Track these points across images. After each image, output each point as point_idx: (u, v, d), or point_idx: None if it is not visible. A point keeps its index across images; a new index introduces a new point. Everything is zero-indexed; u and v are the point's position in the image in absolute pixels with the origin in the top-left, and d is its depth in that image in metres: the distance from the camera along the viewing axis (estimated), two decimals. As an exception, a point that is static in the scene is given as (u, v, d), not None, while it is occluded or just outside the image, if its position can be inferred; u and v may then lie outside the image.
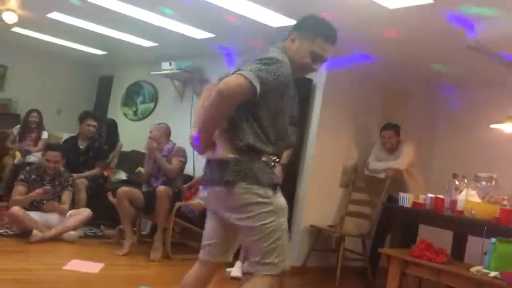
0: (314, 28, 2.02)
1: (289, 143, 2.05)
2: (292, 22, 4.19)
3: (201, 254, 2.13)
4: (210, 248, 2.11)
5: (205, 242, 2.13)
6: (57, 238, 4.31)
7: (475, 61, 4.42)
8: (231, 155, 1.89)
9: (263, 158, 1.94)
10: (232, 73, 1.90)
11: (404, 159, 4.63)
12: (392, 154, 4.76)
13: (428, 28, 3.87)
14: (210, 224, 2.12)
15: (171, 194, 4.41)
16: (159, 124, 4.91)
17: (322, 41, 2.00)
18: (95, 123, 5.41)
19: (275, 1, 3.89)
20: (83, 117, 5.42)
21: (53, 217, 4.50)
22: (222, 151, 1.93)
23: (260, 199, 1.90)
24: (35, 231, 4.17)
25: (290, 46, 2.03)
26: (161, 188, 4.36)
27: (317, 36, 2.00)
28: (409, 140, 4.79)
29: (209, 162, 2.04)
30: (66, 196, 4.66)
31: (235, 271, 4.03)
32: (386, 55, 4.74)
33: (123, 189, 4.47)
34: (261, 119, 1.91)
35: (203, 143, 1.94)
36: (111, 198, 4.66)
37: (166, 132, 4.80)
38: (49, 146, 4.90)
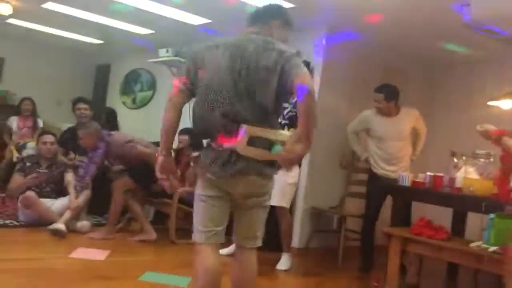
0: (290, 21, 2.33)
1: None
2: (288, 5, 4.22)
3: (211, 240, 2.15)
4: (219, 234, 2.16)
5: (213, 228, 2.15)
6: (70, 229, 4.33)
7: (472, 38, 4.43)
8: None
9: None
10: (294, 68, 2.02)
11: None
12: (388, 118, 4.34)
13: (425, 7, 3.87)
14: (219, 210, 2.17)
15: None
16: (87, 128, 4.62)
17: (290, 30, 2.32)
18: (86, 106, 5.40)
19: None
20: (74, 103, 5.45)
21: (60, 202, 4.57)
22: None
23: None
24: (60, 226, 4.21)
25: (272, 32, 2.24)
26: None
27: (289, 25, 2.32)
28: (419, 113, 4.48)
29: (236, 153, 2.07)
30: (70, 176, 4.73)
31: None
32: (382, 35, 4.75)
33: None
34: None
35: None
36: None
37: (98, 134, 4.52)
38: (42, 132, 5.09)
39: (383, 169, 4.31)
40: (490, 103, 4.42)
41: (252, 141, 2.03)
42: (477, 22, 3.87)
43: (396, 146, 4.31)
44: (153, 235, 4.43)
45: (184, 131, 5.07)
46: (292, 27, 2.32)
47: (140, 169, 4.39)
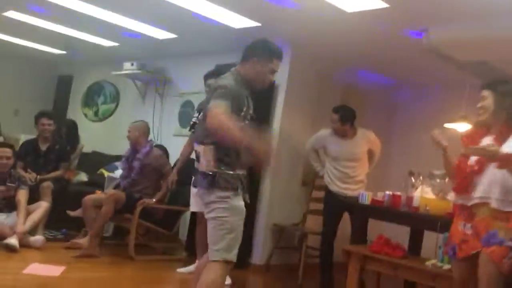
0: (269, 52, 2.56)
1: None
2: (253, 24, 4.29)
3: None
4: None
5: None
6: (22, 244, 4.14)
7: (430, 63, 4.60)
8: (214, 170, 2.36)
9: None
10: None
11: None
12: (343, 139, 4.40)
13: (384, 31, 4.00)
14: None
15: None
16: (136, 122, 4.82)
17: (277, 61, 2.58)
18: (50, 122, 5.22)
19: (237, 3, 3.93)
20: (37, 117, 5.27)
21: (13, 217, 4.37)
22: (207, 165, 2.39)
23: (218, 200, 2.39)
24: (12, 241, 4.04)
25: (249, 68, 2.53)
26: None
27: (273, 58, 2.56)
28: (374, 135, 4.53)
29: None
30: (21, 195, 4.44)
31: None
32: (344, 57, 4.87)
33: (89, 197, 4.43)
34: None
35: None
36: (71, 213, 4.62)
37: (145, 131, 4.75)
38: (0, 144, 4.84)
39: (338, 186, 4.34)
40: (446, 125, 4.58)
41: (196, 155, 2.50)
42: (435, 48, 4.03)
43: (350, 167, 4.34)
44: (95, 251, 4.28)
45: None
46: (267, 56, 2.53)
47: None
